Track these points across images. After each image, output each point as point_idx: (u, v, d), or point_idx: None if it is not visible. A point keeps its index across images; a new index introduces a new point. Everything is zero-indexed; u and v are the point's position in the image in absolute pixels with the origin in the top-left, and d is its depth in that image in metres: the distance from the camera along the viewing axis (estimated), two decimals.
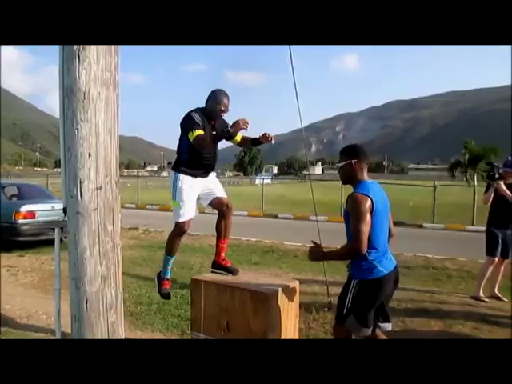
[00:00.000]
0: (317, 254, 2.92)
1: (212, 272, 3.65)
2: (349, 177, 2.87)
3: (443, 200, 16.20)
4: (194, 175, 3.58)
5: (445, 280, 6.78)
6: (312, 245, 2.96)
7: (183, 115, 3.50)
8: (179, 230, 3.61)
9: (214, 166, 3.76)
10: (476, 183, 16.03)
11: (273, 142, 3.56)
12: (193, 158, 3.53)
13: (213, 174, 3.78)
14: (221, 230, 3.69)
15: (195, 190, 3.61)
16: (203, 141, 3.36)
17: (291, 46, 4.19)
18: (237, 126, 3.38)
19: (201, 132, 3.35)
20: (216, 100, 3.55)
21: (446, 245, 10.46)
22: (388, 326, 2.96)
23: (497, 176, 5.31)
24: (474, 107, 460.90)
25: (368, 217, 2.65)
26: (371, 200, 2.67)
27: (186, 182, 3.55)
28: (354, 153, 2.86)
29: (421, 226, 13.95)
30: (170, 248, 3.70)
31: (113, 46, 1.95)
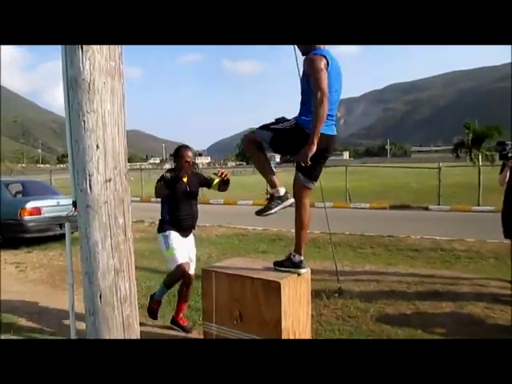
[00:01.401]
0: (305, 152, 2.83)
1: (169, 326, 4.25)
2: (308, 48, 2.99)
3: (448, 181, 16.08)
4: (177, 232, 4.05)
5: (454, 261, 6.76)
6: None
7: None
8: (180, 272, 3.96)
9: (194, 226, 4.25)
10: (481, 163, 15.92)
11: (225, 178, 3.98)
12: (173, 218, 4.03)
13: (192, 239, 4.26)
14: (182, 295, 4.23)
15: (184, 242, 4.08)
16: (157, 188, 3.96)
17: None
18: (182, 169, 3.91)
19: (159, 184, 3.94)
20: (179, 155, 4.02)
21: (452, 226, 10.42)
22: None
23: (510, 155, 5.19)
24: (474, 87, 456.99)
25: (325, 71, 2.78)
26: (326, 59, 2.83)
27: (174, 234, 4.01)
28: None
29: (426, 209, 13.88)
30: (169, 284, 4.12)
31: None
